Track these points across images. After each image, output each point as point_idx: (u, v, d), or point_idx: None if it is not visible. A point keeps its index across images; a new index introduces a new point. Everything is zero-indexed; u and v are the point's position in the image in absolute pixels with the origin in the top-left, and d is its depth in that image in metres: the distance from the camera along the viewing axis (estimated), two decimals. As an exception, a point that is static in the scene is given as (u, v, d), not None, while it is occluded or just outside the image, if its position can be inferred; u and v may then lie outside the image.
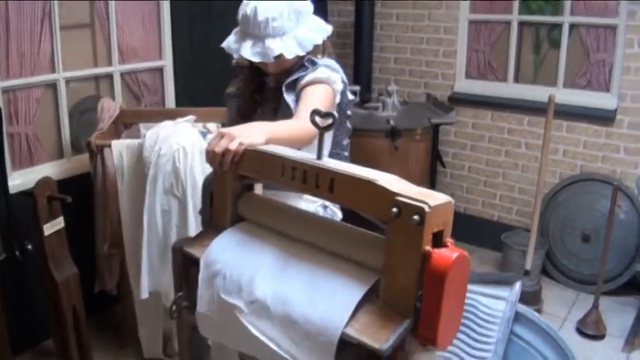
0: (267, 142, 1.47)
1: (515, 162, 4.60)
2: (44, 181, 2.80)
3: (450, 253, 1.07)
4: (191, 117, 3.14)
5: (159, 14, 3.86)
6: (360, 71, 4.77)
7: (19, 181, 3.15)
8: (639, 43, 3.95)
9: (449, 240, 1.13)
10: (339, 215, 2.23)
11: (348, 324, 1.12)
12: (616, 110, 4.12)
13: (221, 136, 1.46)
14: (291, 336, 1.21)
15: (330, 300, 1.17)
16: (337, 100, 2.06)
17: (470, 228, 4.49)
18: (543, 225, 4.25)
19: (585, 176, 4.27)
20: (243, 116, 2.18)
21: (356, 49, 4.83)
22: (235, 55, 2.03)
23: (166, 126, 2.97)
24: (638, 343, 3.53)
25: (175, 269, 1.56)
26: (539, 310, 3.72)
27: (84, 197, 3.12)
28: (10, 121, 3.19)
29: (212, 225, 1.54)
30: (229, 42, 2.04)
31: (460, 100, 4.74)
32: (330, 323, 1.13)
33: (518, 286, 2.03)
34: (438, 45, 4.81)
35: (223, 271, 1.36)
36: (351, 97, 2.17)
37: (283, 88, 2.03)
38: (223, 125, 2.56)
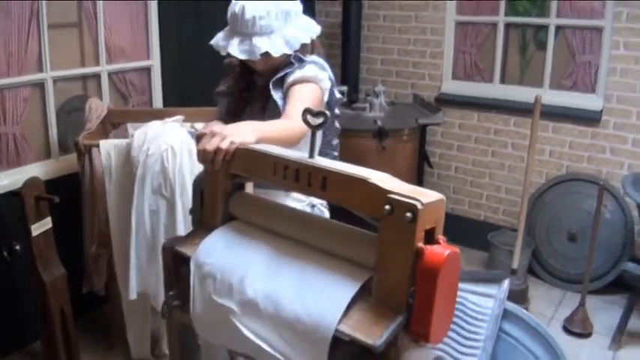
0: (258, 142, 1.48)
1: (502, 162, 4.63)
2: (32, 181, 2.79)
3: (442, 249, 1.09)
4: (179, 117, 3.14)
5: (146, 14, 3.85)
6: (347, 72, 4.78)
7: (6, 181, 3.13)
8: (625, 44, 3.99)
9: (440, 237, 1.15)
10: (326, 214, 2.24)
11: (341, 321, 1.13)
12: (602, 111, 4.16)
13: (212, 134, 1.46)
14: (283, 336, 1.22)
15: (322, 298, 1.18)
16: (325, 98, 2.07)
17: (457, 228, 4.49)
18: (530, 225, 4.27)
19: (571, 176, 4.31)
20: (232, 114, 2.20)
21: (343, 49, 4.84)
22: (223, 52, 2.04)
23: (154, 126, 2.96)
24: (624, 341, 3.56)
25: (166, 268, 1.56)
26: (526, 309, 3.73)
27: (71, 197, 3.10)
28: (-2, 121, 3.18)
29: (203, 224, 1.55)
30: (218, 39, 2.07)
31: (447, 101, 4.76)
32: (323, 321, 1.14)
33: (506, 283, 2.05)
34: (425, 46, 4.84)
35: (213, 273, 1.36)
36: (338, 95, 2.18)
37: (270, 85, 2.04)
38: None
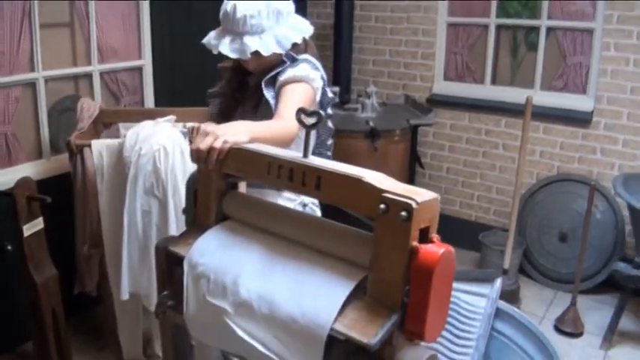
0: (251, 141, 1.48)
1: (493, 163, 4.65)
2: (24, 181, 2.77)
3: (436, 248, 1.09)
4: (171, 117, 3.13)
5: (138, 14, 3.84)
6: (339, 73, 4.78)
7: (-3, 181, 3.12)
8: (616, 46, 4.01)
9: (435, 236, 1.15)
10: (318, 213, 2.24)
11: (336, 320, 1.13)
12: (592, 112, 4.18)
13: (205, 134, 1.46)
14: (278, 336, 1.22)
15: (317, 297, 1.18)
16: (318, 98, 2.08)
17: (448, 228, 4.48)
18: (521, 225, 4.29)
19: (562, 177, 4.33)
20: (224, 115, 2.20)
21: (335, 50, 4.84)
22: (214, 51, 2.05)
23: (147, 126, 2.95)
24: (615, 340, 3.58)
25: (159, 269, 1.55)
26: (517, 309, 3.75)
27: (63, 197, 3.09)
28: (-11, 121, 3.16)
29: (196, 224, 1.54)
30: (209, 38, 2.08)
31: (438, 102, 4.77)
32: (318, 320, 1.14)
33: (498, 282, 2.06)
34: (416, 47, 4.85)
35: (207, 273, 1.36)
36: (331, 95, 2.18)
37: (263, 84, 2.05)
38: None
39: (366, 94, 4.51)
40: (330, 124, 2.24)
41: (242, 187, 1.61)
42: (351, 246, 1.25)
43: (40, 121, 3.41)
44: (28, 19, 3.20)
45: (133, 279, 2.87)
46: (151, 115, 3.13)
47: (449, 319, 1.97)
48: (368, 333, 1.09)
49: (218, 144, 1.42)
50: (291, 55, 2.07)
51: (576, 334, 3.66)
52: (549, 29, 4.38)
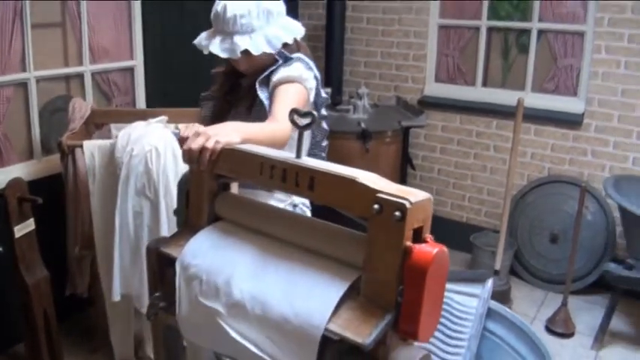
0: (243, 142, 1.47)
1: (484, 164, 4.66)
2: (15, 182, 2.76)
3: (430, 248, 1.09)
4: (163, 117, 3.12)
5: (130, 14, 3.83)
6: (330, 74, 4.78)
7: (-12, 182, 3.10)
8: (607, 48, 4.03)
9: (428, 236, 1.15)
10: (308, 214, 2.25)
11: (330, 320, 1.13)
12: (583, 114, 4.20)
13: (197, 134, 1.46)
14: (271, 337, 1.21)
15: (311, 297, 1.18)
16: (312, 98, 2.08)
17: (439, 229, 4.49)
18: (512, 226, 4.31)
19: (553, 178, 4.35)
20: (217, 117, 2.20)
21: (327, 52, 4.84)
22: (205, 51, 2.06)
23: (138, 126, 2.95)
24: (606, 340, 3.60)
25: (150, 270, 1.55)
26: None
27: (54, 198, 3.08)
28: (-21, 121, 3.15)
29: (188, 225, 1.54)
30: (201, 39, 2.09)
31: (430, 104, 4.78)
32: (312, 320, 1.14)
33: (490, 283, 2.06)
34: (408, 49, 4.86)
35: (199, 274, 1.35)
36: (325, 95, 2.19)
37: (257, 84, 2.05)
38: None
39: (357, 95, 4.51)
40: (324, 125, 2.24)
41: (234, 187, 1.61)
42: (345, 246, 1.25)
43: (31, 121, 3.39)
44: (19, 19, 3.19)
45: (124, 280, 2.86)
46: (142, 116, 3.12)
47: (441, 320, 1.97)
48: (362, 333, 1.09)
49: (210, 144, 1.42)
50: (284, 54, 2.07)
51: (567, 335, 3.67)
52: (540, 32, 4.40)
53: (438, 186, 4.90)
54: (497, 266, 3.77)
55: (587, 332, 3.70)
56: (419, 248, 1.09)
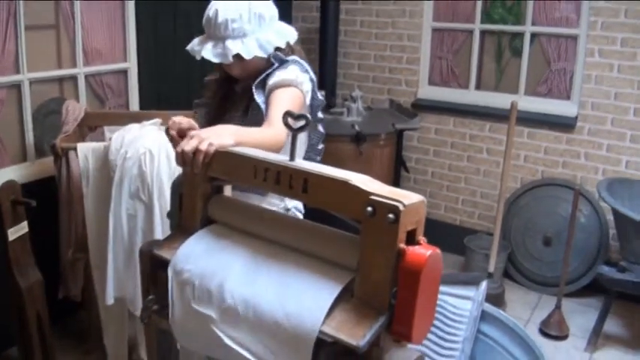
0: (236, 145, 1.47)
1: (477, 167, 4.67)
2: (8, 185, 2.75)
3: (423, 250, 1.10)
4: (157, 120, 3.12)
5: (124, 17, 3.83)
6: (324, 77, 4.78)
7: (-19, 185, 3.09)
8: (600, 52, 4.05)
9: (421, 238, 1.16)
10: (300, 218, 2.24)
11: (324, 322, 1.13)
12: (577, 117, 4.21)
13: (190, 137, 1.46)
14: (265, 341, 1.21)
15: (304, 300, 1.18)
16: (307, 101, 2.08)
17: (433, 232, 4.50)
18: (505, 229, 4.32)
19: (546, 181, 4.36)
20: (212, 123, 2.19)
21: (320, 54, 4.84)
22: (197, 57, 2.04)
23: (132, 129, 2.94)
24: (600, 343, 3.61)
25: (143, 273, 1.54)
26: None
27: (48, 201, 3.07)
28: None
29: (182, 227, 1.54)
30: (193, 44, 2.08)
31: (423, 107, 4.79)
32: (306, 323, 1.14)
33: (484, 285, 2.07)
34: (401, 52, 4.86)
35: (192, 280, 1.35)
36: (321, 98, 2.18)
37: (253, 88, 2.04)
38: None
39: (351, 98, 4.52)
40: (320, 128, 2.23)
41: (227, 190, 1.61)
42: (338, 248, 1.25)
43: (24, 123, 3.38)
44: (13, 20, 3.19)
45: (118, 283, 2.86)
46: (136, 119, 3.12)
47: (435, 322, 1.98)
48: (356, 335, 1.09)
49: (203, 146, 1.42)
50: (279, 57, 2.07)
51: (561, 337, 3.68)
52: (534, 35, 4.41)
53: (431, 189, 4.90)
54: (491, 269, 3.77)
55: (580, 335, 3.71)
56: (412, 250, 1.09)
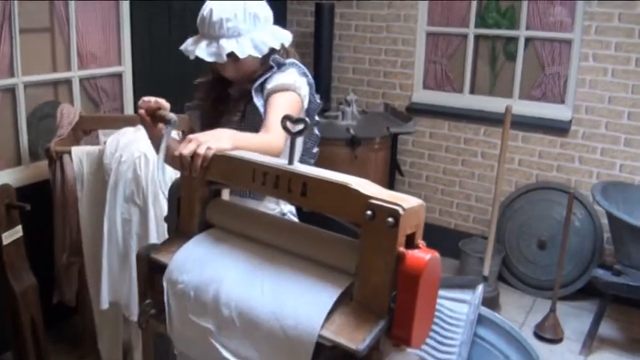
0: (234, 149, 1.47)
1: (472, 171, 4.68)
2: (3, 189, 2.74)
3: (423, 254, 1.10)
4: (152, 124, 3.11)
5: (119, 21, 3.82)
6: (319, 80, 4.76)
7: (-25, 188, 3.07)
8: (594, 56, 4.07)
9: (421, 242, 1.16)
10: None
11: (323, 326, 1.13)
12: (571, 121, 4.23)
13: (188, 140, 1.45)
14: (264, 350, 1.21)
15: (304, 304, 1.18)
16: (305, 105, 2.07)
17: (428, 235, 4.49)
18: (500, 232, 4.32)
19: (541, 185, 4.37)
20: (208, 126, 2.17)
21: (315, 58, 4.85)
22: (191, 56, 2.02)
23: (127, 133, 2.94)
24: (595, 346, 3.62)
25: (140, 277, 1.53)
26: (497, 316, 3.78)
27: (42, 205, 3.05)
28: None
29: (179, 231, 1.53)
30: (187, 44, 2.06)
31: (418, 110, 4.80)
32: (306, 327, 1.14)
33: (480, 289, 2.07)
34: (396, 56, 4.87)
35: (187, 291, 1.34)
36: (318, 101, 2.18)
37: (252, 92, 2.02)
38: (184, 133, 2.54)
39: (346, 102, 4.53)
40: (316, 131, 2.23)
41: (225, 194, 1.60)
42: (337, 252, 1.25)
43: (19, 127, 3.36)
44: (8, 23, 3.17)
45: (112, 288, 2.85)
46: (131, 122, 3.11)
47: (432, 326, 1.97)
48: (355, 339, 1.09)
49: (202, 150, 1.41)
50: (277, 60, 2.06)
51: (556, 340, 3.69)
52: (528, 39, 4.43)
53: (426, 192, 4.91)
54: (486, 272, 3.78)
55: (575, 338, 3.72)
56: (412, 254, 1.09)
